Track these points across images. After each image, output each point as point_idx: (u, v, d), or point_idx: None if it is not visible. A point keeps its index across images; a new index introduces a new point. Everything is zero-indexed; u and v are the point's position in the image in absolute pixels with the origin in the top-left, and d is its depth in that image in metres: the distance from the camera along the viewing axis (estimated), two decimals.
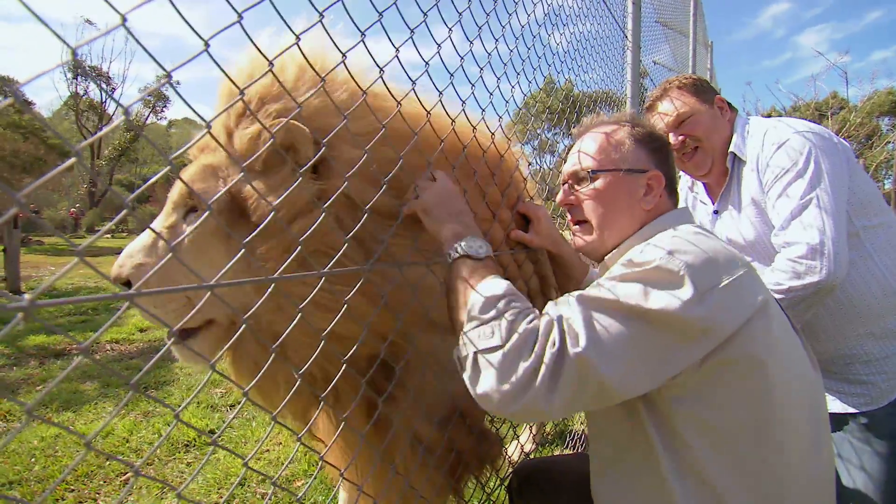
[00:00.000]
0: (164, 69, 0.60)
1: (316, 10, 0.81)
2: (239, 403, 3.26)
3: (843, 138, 1.63)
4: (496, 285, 0.91)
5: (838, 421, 1.61)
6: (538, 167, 2.47)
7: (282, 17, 0.76)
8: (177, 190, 1.08)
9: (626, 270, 0.87)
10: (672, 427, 0.88)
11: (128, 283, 1.01)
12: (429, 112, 1.09)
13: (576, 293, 0.88)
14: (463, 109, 1.19)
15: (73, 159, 0.51)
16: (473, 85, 1.21)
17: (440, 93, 1.10)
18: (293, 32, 0.77)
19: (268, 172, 1.01)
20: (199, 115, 0.70)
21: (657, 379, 0.83)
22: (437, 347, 1.16)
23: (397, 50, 0.97)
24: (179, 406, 3.55)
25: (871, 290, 1.52)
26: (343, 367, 0.94)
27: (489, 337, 0.84)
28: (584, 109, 2.74)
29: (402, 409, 1.14)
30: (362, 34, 0.88)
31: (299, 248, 0.83)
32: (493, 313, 0.86)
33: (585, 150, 1.15)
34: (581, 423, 3.08)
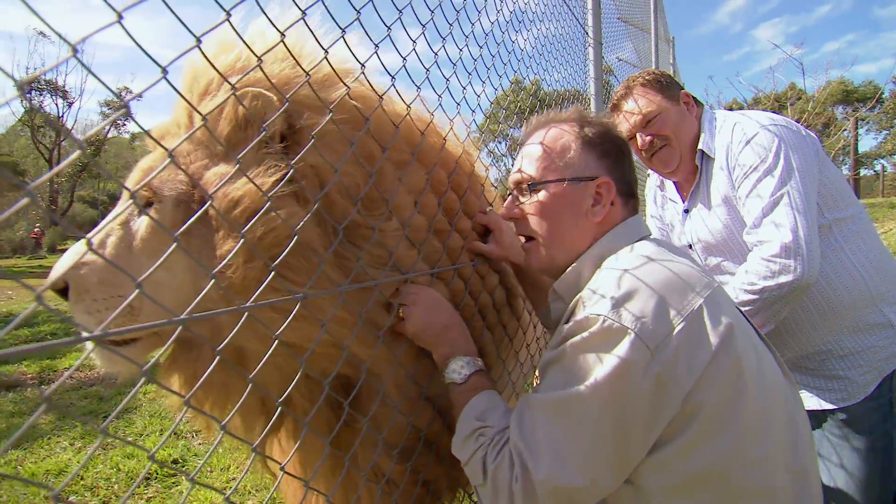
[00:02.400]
0: (118, 96, 0.57)
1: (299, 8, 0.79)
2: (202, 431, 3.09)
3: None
4: (468, 417, 0.95)
5: (817, 418, 1.58)
6: (507, 169, 2.42)
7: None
8: (132, 180, 0.97)
9: (572, 340, 0.83)
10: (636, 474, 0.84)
11: (65, 290, 0.90)
12: (381, 96, 1.02)
13: (530, 398, 0.87)
14: (434, 105, 1.17)
15: (25, 200, 0.48)
16: (444, 88, 1.22)
17: (417, 95, 1.09)
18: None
19: (231, 154, 0.88)
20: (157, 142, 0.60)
21: (633, 460, 0.81)
22: (399, 370, 1.07)
23: (377, 46, 0.98)
24: (141, 434, 3.36)
25: (844, 282, 1.49)
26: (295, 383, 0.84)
27: (474, 476, 0.90)
28: (553, 107, 2.70)
29: (362, 437, 1.05)
30: (343, 31, 0.88)
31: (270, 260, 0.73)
32: (468, 452, 0.91)
33: (528, 156, 1.06)
34: None
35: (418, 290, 1.07)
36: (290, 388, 0.86)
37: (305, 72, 0.86)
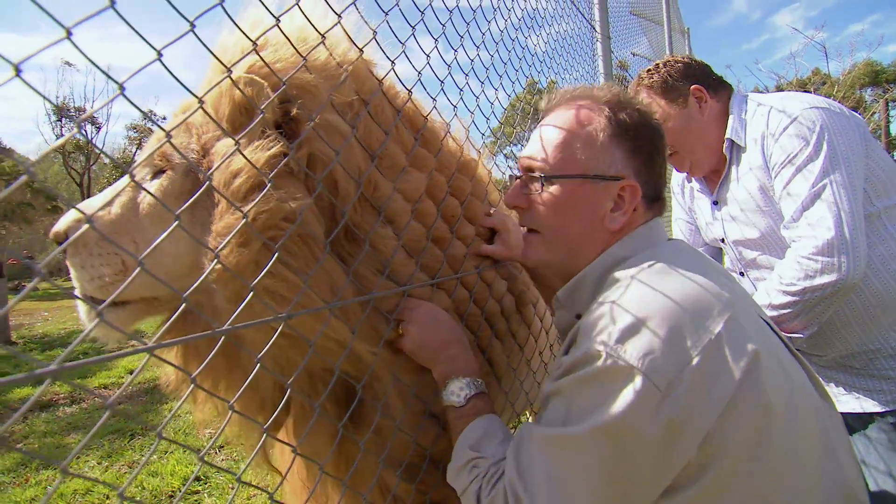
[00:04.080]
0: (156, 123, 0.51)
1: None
2: (227, 445, 3.10)
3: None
4: (463, 446, 0.89)
5: (861, 420, 1.46)
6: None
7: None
8: (146, 149, 0.98)
9: (574, 375, 0.74)
10: None
11: (65, 239, 0.91)
12: (381, 80, 0.99)
13: (530, 430, 0.79)
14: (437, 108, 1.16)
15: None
16: (459, 98, 1.23)
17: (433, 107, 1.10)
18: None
19: (235, 134, 0.87)
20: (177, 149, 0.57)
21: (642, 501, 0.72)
22: (402, 381, 1.03)
23: (393, 63, 0.99)
24: (165, 452, 3.39)
25: (894, 275, 1.36)
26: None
27: None
28: None
29: (366, 448, 1.01)
30: (339, 16, 0.87)
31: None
32: (462, 484, 0.86)
33: (546, 139, 0.92)
34: None
35: (416, 306, 0.99)
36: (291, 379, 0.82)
37: (302, 56, 0.84)
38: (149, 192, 0.61)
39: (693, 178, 1.79)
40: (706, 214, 1.74)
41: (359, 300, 0.88)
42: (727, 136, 1.52)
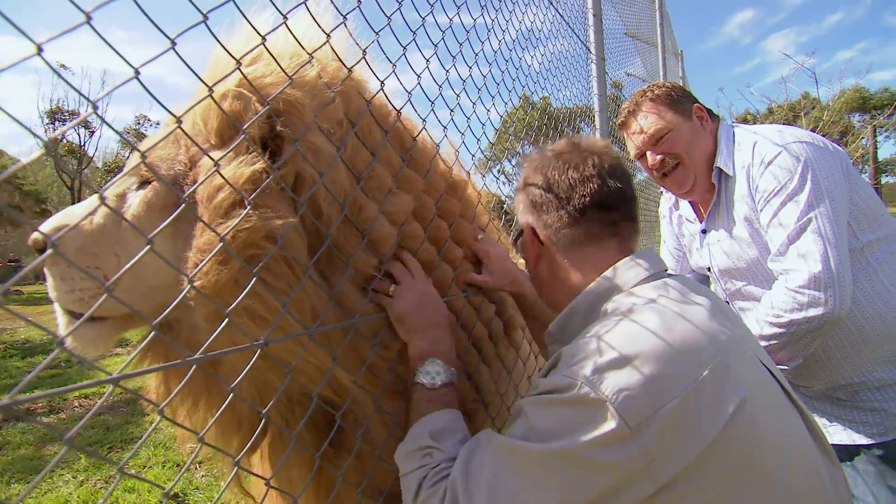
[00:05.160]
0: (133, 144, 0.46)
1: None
2: (206, 461, 3.02)
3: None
4: (423, 431, 0.86)
5: (848, 452, 1.45)
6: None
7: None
8: (132, 158, 0.96)
9: (546, 397, 0.73)
10: None
11: (44, 250, 0.86)
12: (369, 101, 0.97)
13: (489, 435, 0.78)
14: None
15: None
16: (452, 110, 1.23)
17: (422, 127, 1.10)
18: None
19: (223, 148, 0.87)
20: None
21: None
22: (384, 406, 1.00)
23: (382, 83, 0.98)
24: (145, 466, 3.30)
25: (878, 309, 1.36)
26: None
27: (406, 491, 0.83)
28: (563, 125, 2.67)
29: (346, 476, 0.97)
30: (328, 35, 0.86)
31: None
32: (409, 467, 0.84)
33: (520, 201, 1.00)
34: None
35: (417, 275, 1.00)
36: (268, 406, 0.79)
37: (289, 75, 0.82)
38: (122, 217, 0.58)
39: (679, 206, 1.79)
40: (694, 242, 1.73)
41: (341, 326, 0.85)
42: (716, 164, 1.51)
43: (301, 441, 0.94)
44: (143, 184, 0.94)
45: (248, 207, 0.78)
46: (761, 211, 1.38)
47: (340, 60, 0.91)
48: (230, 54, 0.73)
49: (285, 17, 0.81)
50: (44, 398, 0.51)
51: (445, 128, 1.22)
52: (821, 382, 1.47)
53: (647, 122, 1.54)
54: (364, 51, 0.93)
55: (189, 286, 0.69)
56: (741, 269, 1.53)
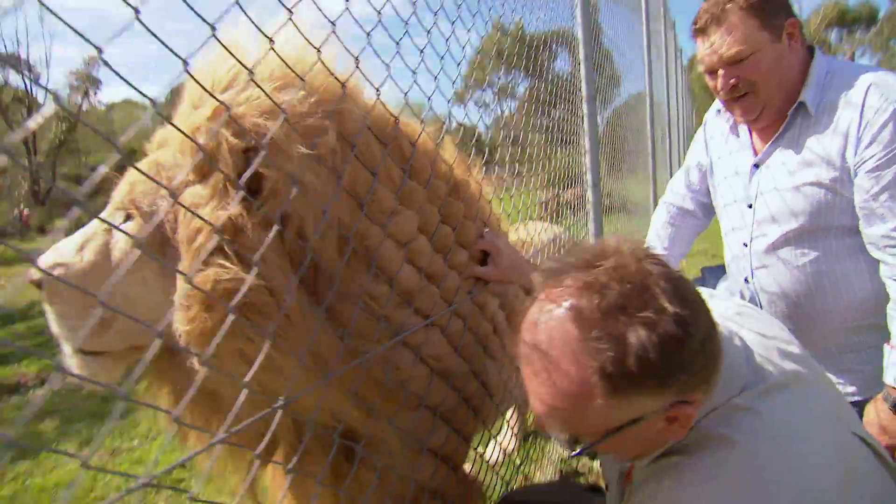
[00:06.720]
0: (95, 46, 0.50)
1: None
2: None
3: None
4: None
5: None
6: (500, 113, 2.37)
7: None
8: (118, 191, 0.95)
9: None
10: None
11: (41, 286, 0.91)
12: (343, 83, 0.87)
13: None
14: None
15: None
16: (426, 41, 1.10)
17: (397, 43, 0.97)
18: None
19: (203, 183, 0.84)
20: (142, 94, 0.56)
21: None
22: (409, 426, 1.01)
23: (378, 90, 0.91)
24: (147, 437, 3.36)
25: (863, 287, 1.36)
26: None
27: None
28: (539, 50, 2.49)
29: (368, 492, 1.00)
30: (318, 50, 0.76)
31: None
32: None
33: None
34: None
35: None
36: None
37: (276, 102, 0.74)
38: (161, 260, 0.53)
39: (739, 133, 1.53)
40: (736, 176, 1.53)
41: (352, 365, 0.83)
42: (801, 98, 1.32)
43: (316, 464, 0.96)
44: (128, 218, 0.92)
45: (231, 254, 0.74)
46: (877, 163, 1.23)
47: (333, 75, 0.83)
48: (202, 86, 0.65)
49: (270, 38, 0.72)
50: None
51: (422, 51, 1.09)
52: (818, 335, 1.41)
53: (729, 39, 1.31)
54: (356, 58, 0.84)
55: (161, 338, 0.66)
56: (788, 218, 1.38)
